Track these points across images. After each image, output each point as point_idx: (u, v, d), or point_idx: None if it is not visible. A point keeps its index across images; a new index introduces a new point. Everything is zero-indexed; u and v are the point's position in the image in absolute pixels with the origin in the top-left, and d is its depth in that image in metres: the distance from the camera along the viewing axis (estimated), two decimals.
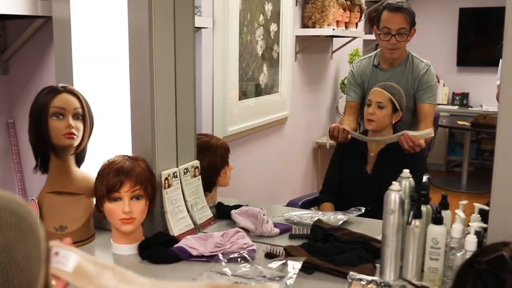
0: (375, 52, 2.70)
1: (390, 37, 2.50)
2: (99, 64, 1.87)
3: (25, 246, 0.68)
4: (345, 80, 3.79)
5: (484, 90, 6.01)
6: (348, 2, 4.26)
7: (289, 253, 1.58)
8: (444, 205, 1.47)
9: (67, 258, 0.91)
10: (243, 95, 3.16)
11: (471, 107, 6.16)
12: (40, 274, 0.69)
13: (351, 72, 2.73)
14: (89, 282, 0.91)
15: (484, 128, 5.36)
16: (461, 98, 6.25)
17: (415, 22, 2.57)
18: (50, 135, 1.67)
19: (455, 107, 6.18)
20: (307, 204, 2.58)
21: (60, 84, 1.73)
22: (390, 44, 2.51)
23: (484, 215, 1.43)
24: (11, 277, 0.64)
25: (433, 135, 2.30)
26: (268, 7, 3.33)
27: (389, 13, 2.51)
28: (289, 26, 3.65)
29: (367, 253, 1.56)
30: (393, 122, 2.35)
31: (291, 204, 2.58)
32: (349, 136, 2.37)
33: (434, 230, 1.40)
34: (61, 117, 1.67)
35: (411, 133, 2.24)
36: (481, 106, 6.04)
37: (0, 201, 0.69)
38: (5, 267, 0.64)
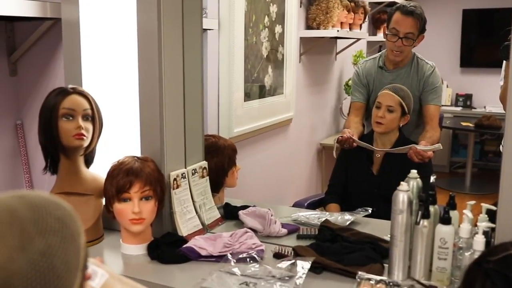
0: (380, 53, 2.71)
1: (397, 39, 2.50)
2: (108, 65, 1.88)
3: (65, 253, 0.68)
4: (349, 82, 3.80)
5: (487, 91, 6.02)
6: (352, 4, 4.27)
7: (298, 253, 1.59)
8: (452, 205, 1.48)
9: (95, 274, 0.94)
10: (248, 96, 3.17)
11: (475, 108, 6.16)
12: (76, 282, 0.69)
13: (356, 72, 2.73)
14: None
15: (487, 129, 5.36)
16: (465, 99, 6.25)
17: (425, 29, 2.56)
18: (60, 136, 1.68)
19: (459, 108, 6.18)
20: (313, 205, 2.59)
21: (70, 86, 1.74)
22: (396, 46, 2.51)
23: (491, 215, 1.44)
24: (48, 282, 0.65)
25: (441, 148, 2.30)
26: (273, 9, 3.34)
27: (401, 15, 2.50)
28: (294, 27, 3.66)
29: (375, 253, 1.57)
30: (401, 125, 2.36)
31: (297, 205, 2.58)
32: (355, 144, 2.37)
33: (442, 230, 1.41)
34: (70, 118, 1.68)
35: (419, 147, 2.24)
36: (484, 107, 6.04)
37: (47, 206, 0.70)
38: (43, 272, 0.65)
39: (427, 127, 2.51)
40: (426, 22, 2.55)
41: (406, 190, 1.43)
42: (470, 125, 5.48)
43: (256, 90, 3.28)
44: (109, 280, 0.93)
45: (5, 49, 2.21)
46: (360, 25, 4.51)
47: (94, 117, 1.73)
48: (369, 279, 1.40)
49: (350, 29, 4.34)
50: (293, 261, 1.50)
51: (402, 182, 1.45)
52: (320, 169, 4.45)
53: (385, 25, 2.62)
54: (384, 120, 2.31)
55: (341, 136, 2.38)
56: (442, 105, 4.96)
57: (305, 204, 2.56)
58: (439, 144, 2.31)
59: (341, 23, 4.14)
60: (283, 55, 3.56)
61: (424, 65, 2.59)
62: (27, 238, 0.66)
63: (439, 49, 5.98)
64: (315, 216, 1.98)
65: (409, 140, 2.39)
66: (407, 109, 2.33)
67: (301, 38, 3.91)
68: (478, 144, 6.14)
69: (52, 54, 2.21)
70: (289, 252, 1.62)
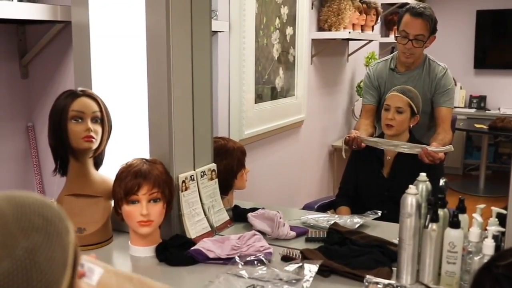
0: (391, 55, 2.69)
1: (407, 41, 2.48)
2: (117, 68, 1.89)
3: (50, 250, 0.70)
4: (361, 83, 3.78)
5: (502, 93, 5.97)
6: (364, 5, 4.26)
7: (306, 256, 1.58)
8: (461, 208, 1.46)
9: (91, 272, 0.94)
10: (259, 98, 3.16)
11: (489, 110, 6.11)
12: (63, 278, 0.71)
13: (367, 75, 2.72)
14: None
15: (501, 131, 5.32)
16: (479, 101, 6.20)
17: (436, 29, 2.53)
18: (69, 139, 1.69)
19: (473, 110, 6.13)
20: (323, 208, 2.58)
21: (79, 88, 1.75)
22: (406, 48, 2.49)
23: (501, 219, 1.42)
24: (31, 278, 0.67)
25: (453, 150, 2.28)
26: (284, 10, 3.34)
27: (410, 17, 2.48)
28: (305, 29, 3.65)
29: (383, 257, 1.56)
30: (411, 125, 2.34)
31: (307, 207, 2.58)
32: (363, 144, 2.35)
33: (451, 234, 1.39)
34: (80, 120, 1.69)
35: (430, 148, 2.22)
36: (499, 109, 5.99)
37: (33, 205, 0.72)
38: (25, 268, 0.67)
39: (438, 130, 2.49)
40: (437, 23, 2.53)
41: (414, 193, 1.41)
42: (484, 127, 5.43)
43: (267, 92, 3.28)
44: (104, 275, 0.94)
45: (16, 52, 2.23)
46: (372, 27, 4.49)
47: (103, 119, 1.74)
48: (377, 283, 1.39)
49: (362, 30, 4.32)
50: (300, 264, 1.49)
51: (410, 185, 1.44)
52: (332, 171, 4.44)
53: (396, 26, 2.60)
54: (394, 122, 2.30)
55: (348, 136, 2.37)
56: (456, 107, 4.93)
57: (315, 207, 2.55)
58: (451, 145, 2.29)
59: (353, 24, 4.13)
60: (294, 57, 3.56)
61: (436, 67, 2.57)
62: (9, 235, 0.68)
63: (453, 50, 5.94)
64: (324, 219, 1.97)
65: (420, 142, 2.37)
66: (416, 109, 2.32)
67: (312, 40, 3.90)
68: (492, 146, 6.08)
69: (62, 56, 2.23)
70: (297, 255, 1.62)
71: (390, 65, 2.63)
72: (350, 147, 2.39)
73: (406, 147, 2.28)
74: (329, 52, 4.12)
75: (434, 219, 1.40)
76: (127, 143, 1.87)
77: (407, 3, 4.51)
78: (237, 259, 1.56)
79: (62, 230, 0.73)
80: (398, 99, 2.30)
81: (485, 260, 1.28)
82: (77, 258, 0.75)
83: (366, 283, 1.40)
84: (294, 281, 1.43)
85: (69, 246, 0.73)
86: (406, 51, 2.51)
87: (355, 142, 2.34)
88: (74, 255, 0.74)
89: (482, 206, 1.46)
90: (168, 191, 1.65)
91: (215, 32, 2.64)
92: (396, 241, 1.56)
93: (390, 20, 5.37)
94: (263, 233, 1.79)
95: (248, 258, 1.57)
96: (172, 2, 1.69)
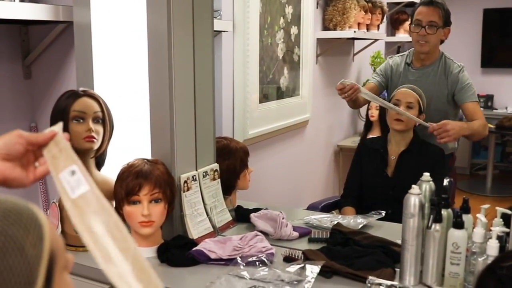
0: (409, 50, 2.70)
1: (420, 28, 2.50)
2: (119, 68, 1.88)
3: (4, 270, 0.62)
4: (367, 82, 3.76)
5: (509, 92, 5.92)
6: (370, 4, 4.23)
7: (308, 257, 1.57)
8: (465, 209, 1.44)
9: (79, 183, 0.83)
10: (264, 98, 3.15)
11: (496, 109, 6.07)
12: None
13: (386, 63, 2.75)
14: (81, 219, 0.81)
15: (509, 130, 5.29)
16: (486, 100, 6.16)
17: (450, 22, 2.57)
18: (70, 139, 1.68)
19: None
20: (328, 208, 2.56)
21: (81, 88, 1.75)
22: (420, 35, 2.51)
23: (506, 220, 1.41)
24: None
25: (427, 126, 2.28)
26: (289, 10, 3.32)
27: (422, 6, 2.55)
28: (310, 28, 3.64)
29: (386, 257, 1.55)
30: (417, 124, 2.33)
31: (312, 207, 2.56)
32: (358, 95, 2.35)
33: (455, 235, 1.38)
34: (81, 120, 1.69)
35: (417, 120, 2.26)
36: (506, 108, 5.95)
37: None
38: None
39: None
40: (450, 14, 2.55)
41: (417, 193, 1.40)
42: (491, 126, 5.38)
43: (272, 91, 3.26)
44: (87, 195, 0.82)
45: (20, 52, 2.23)
46: (378, 26, 4.47)
47: (104, 119, 1.73)
48: (380, 284, 1.38)
49: (368, 29, 4.30)
50: (302, 265, 1.48)
51: (413, 185, 1.42)
52: (337, 171, 4.42)
53: (409, 23, 2.63)
54: (404, 117, 2.28)
55: (348, 83, 2.34)
56: None
57: (320, 207, 2.53)
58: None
59: (359, 23, 4.11)
60: (299, 56, 3.54)
61: (452, 64, 2.57)
62: None
63: (459, 49, 5.88)
64: (328, 219, 1.96)
65: (424, 141, 2.36)
66: (422, 107, 2.31)
67: (318, 39, 3.88)
68: (499, 146, 6.05)
69: (65, 57, 2.23)
70: (299, 256, 1.60)
71: (406, 60, 2.65)
72: (342, 93, 2.36)
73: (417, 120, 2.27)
74: (334, 51, 4.11)
75: (438, 219, 1.39)
76: (129, 143, 1.87)
77: (413, 2, 4.50)
78: (238, 260, 1.55)
79: (26, 244, 0.64)
80: (409, 94, 2.31)
81: (489, 261, 1.26)
82: (54, 264, 0.68)
83: (369, 284, 1.39)
84: (295, 282, 1.42)
85: (40, 257, 0.65)
86: (421, 39, 2.52)
87: (352, 90, 2.33)
88: (48, 263, 0.67)
89: (486, 206, 1.45)
90: (169, 191, 1.64)
91: (219, 31, 2.63)
92: (399, 241, 1.55)
93: (397, 19, 5.34)
94: (265, 234, 1.78)
95: (250, 259, 1.55)
96: (174, 2, 1.69)
